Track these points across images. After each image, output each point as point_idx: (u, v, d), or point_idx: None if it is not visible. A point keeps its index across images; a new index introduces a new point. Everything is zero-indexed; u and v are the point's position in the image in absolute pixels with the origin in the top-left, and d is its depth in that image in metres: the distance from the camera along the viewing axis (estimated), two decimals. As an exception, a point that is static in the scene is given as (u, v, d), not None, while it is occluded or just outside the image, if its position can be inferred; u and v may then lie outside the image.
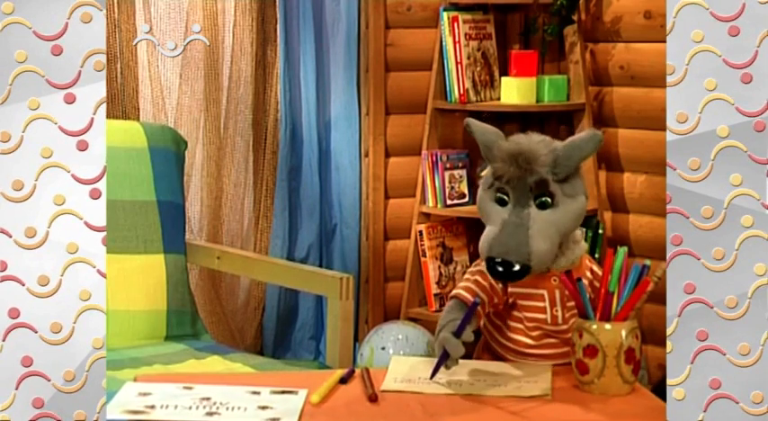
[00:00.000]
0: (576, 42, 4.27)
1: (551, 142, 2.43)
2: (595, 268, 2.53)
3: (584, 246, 2.51)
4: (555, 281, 2.47)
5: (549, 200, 2.38)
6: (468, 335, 2.34)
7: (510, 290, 2.49)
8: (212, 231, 4.14)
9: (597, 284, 2.49)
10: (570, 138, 2.43)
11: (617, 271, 2.34)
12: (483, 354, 2.59)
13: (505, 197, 2.40)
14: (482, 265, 2.51)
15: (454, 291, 2.49)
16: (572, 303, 2.46)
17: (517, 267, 2.34)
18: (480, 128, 2.48)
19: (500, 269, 2.34)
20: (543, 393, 2.30)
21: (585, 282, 2.48)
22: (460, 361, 2.44)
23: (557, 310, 2.47)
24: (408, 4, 4.36)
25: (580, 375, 2.33)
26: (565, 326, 2.48)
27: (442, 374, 2.38)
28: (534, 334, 2.49)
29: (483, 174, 2.46)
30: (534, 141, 2.42)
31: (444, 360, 2.33)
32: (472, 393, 2.30)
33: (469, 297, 2.44)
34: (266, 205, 4.25)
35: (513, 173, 2.38)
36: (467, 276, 2.51)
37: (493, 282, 2.48)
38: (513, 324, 2.51)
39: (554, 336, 2.48)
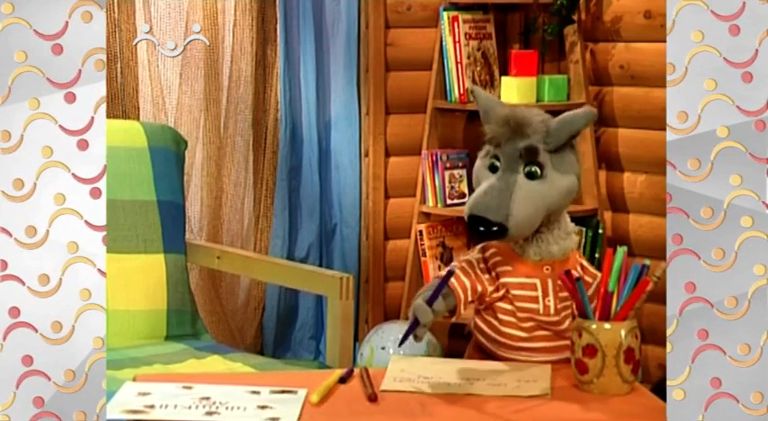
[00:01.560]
0: (576, 42, 4.27)
1: (548, 116, 2.49)
2: (585, 263, 2.54)
3: (576, 239, 2.54)
4: (548, 270, 2.48)
5: (537, 170, 2.43)
6: (440, 305, 2.37)
7: (502, 280, 2.50)
8: (212, 231, 4.14)
9: (588, 279, 2.50)
10: (565, 113, 2.49)
11: (616, 270, 2.34)
12: (474, 354, 2.59)
13: (497, 163, 2.45)
14: (471, 255, 2.53)
15: (439, 272, 2.52)
16: (564, 294, 2.48)
17: (495, 228, 2.39)
18: (484, 94, 2.55)
19: (477, 226, 2.40)
20: (543, 393, 2.30)
21: (575, 274, 2.49)
22: (460, 360, 2.45)
23: (549, 300, 2.48)
24: (408, 4, 4.36)
25: (579, 375, 2.33)
26: (557, 318, 2.48)
27: (442, 373, 2.38)
28: (526, 325, 2.49)
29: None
30: (529, 111, 2.48)
31: (414, 327, 2.34)
32: (472, 393, 2.30)
33: (458, 289, 2.45)
34: (266, 205, 4.25)
35: (505, 135, 2.44)
36: (454, 263, 2.54)
37: (479, 271, 2.50)
38: (504, 317, 2.51)
39: (546, 329, 2.49)
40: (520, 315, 2.49)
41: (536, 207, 2.42)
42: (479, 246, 2.55)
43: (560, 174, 2.45)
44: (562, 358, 2.48)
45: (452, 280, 2.45)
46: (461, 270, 2.49)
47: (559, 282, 2.46)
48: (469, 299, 2.50)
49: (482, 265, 2.51)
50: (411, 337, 2.36)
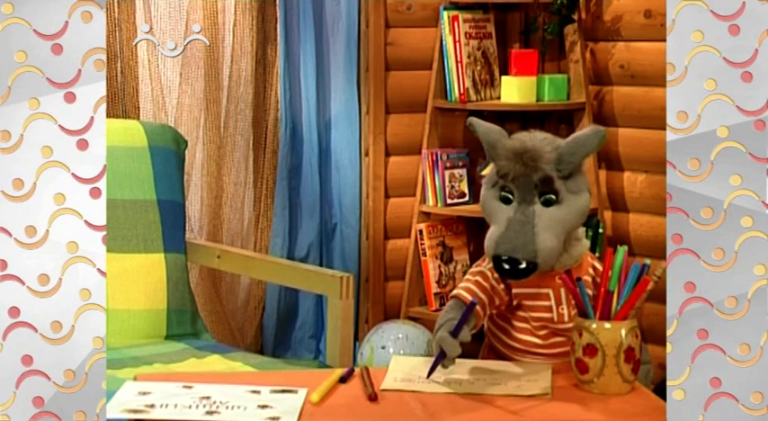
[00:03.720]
0: (577, 41, 4.27)
1: (554, 140, 2.44)
2: (597, 264, 2.53)
3: (587, 243, 2.52)
4: (560, 279, 2.47)
5: (553, 197, 2.39)
6: (466, 334, 2.34)
7: (515, 291, 2.49)
8: (212, 230, 4.14)
9: (599, 280, 2.49)
10: (573, 135, 2.44)
11: (617, 270, 2.34)
12: (488, 356, 2.59)
13: (510, 195, 2.40)
14: (483, 266, 2.51)
15: (455, 291, 2.48)
16: None
17: (524, 265, 2.34)
18: (483, 126, 2.48)
19: (507, 267, 2.34)
20: (543, 392, 2.30)
21: (588, 278, 2.49)
22: (462, 360, 2.45)
23: (562, 309, 2.48)
24: (408, 3, 4.36)
25: (580, 374, 2.33)
26: (571, 324, 2.48)
27: (440, 373, 2.38)
28: (541, 333, 2.49)
29: (484, 172, 2.46)
30: (538, 139, 2.42)
31: (441, 359, 2.33)
32: (472, 392, 2.30)
33: (469, 297, 2.44)
34: (266, 204, 4.25)
35: (519, 171, 2.38)
36: (467, 277, 2.51)
37: (494, 283, 2.48)
38: (519, 324, 2.51)
39: (561, 335, 2.48)
40: (534, 324, 2.49)
41: (558, 235, 2.39)
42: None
43: (575, 195, 2.41)
44: None
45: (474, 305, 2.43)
46: (476, 285, 2.48)
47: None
48: (488, 312, 2.50)
49: (495, 275, 2.49)
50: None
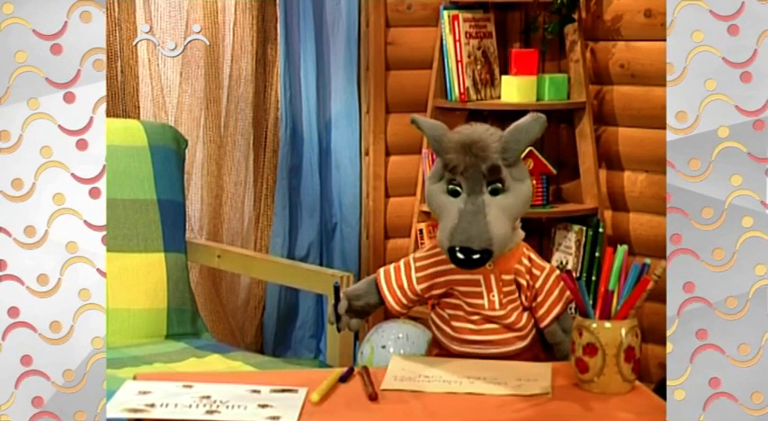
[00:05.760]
0: (577, 41, 4.27)
1: (496, 130, 2.51)
2: (533, 256, 2.58)
3: (522, 233, 2.57)
4: (490, 266, 2.51)
5: (500, 185, 2.45)
6: (342, 306, 2.64)
7: (448, 277, 2.55)
8: (213, 230, 4.14)
9: (536, 272, 2.55)
10: (514, 124, 2.50)
11: (617, 269, 2.34)
12: (432, 350, 2.62)
13: (458, 188, 2.46)
14: (419, 252, 2.60)
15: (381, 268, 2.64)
16: (509, 288, 2.53)
17: (477, 256, 2.40)
18: (427, 123, 2.57)
19: (461, 257, 2.41)
20: (543, 392, 2.30)
21: (522, 268, 2.54)
22: (461, 360, 2.49)
23: (493, 295, 2.52)
24: (408, 3, 4.36)
25: (580, 374, 2.33)
26: (503, 312, 2.52)
27: (442, 372, 2.39)
28: (474, 318, 2.53)
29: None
30: (481, 130, 2.50)
31: (338, 321, 2.69)
32: (472, 392, 2.30)
33: (382, 276, 2.60)
34: (266, 204, 4.25)
35: (468, 162, 2.45)
36: (404, 260, 2.61)
37: (413, 270, 2.57)
38: (452, 312, 2.56)
39: (494, 322, 2.53)
40: (467, 309, 2.53)
41: (508, 221, 2.46)
42: (428, 245, 2.60)
43: (520, 183, 2.47)
44: (514, 349, 2.53)
45: (381, 280, 2.60)
46: (390, 271, 2.60)
47: (503, 277, 2.52)
48: (400, 296, 2.59)
49: (421, 263, 2.57)
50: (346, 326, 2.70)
